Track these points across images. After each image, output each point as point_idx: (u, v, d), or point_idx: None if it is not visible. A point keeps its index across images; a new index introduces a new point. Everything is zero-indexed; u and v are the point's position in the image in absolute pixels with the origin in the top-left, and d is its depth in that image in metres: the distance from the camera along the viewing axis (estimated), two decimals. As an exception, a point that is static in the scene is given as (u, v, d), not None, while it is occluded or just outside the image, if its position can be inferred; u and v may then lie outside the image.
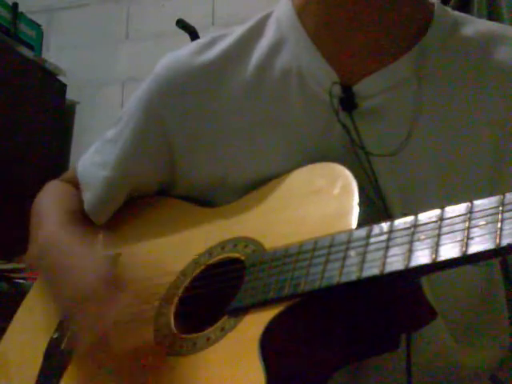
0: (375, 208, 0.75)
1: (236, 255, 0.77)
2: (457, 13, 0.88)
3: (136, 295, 0.77)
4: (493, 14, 1.73)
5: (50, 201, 0.98)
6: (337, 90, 0.81)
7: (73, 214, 0.94)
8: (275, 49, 0.86)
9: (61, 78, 2.55)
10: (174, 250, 0.86)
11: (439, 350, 0.78)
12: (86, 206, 0.94)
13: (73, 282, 0.79)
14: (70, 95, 2.58)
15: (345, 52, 0.82)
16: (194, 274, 0.80)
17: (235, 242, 0.78)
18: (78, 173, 0.98)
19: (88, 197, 0.94)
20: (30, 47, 2.50)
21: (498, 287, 0.83)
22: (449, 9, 0.88)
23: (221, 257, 0.79)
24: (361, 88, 0.81)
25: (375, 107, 0.81)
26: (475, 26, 0.86)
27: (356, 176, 0.73)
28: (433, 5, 0.86)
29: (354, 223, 0.68)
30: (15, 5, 2.46)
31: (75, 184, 0.99)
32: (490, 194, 0.60)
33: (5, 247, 2.00)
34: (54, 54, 2.65)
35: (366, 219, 0.69)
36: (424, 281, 0.71)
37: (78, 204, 0.96)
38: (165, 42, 2.42)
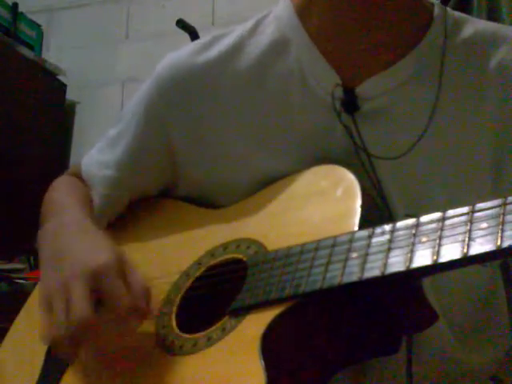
0: (378, 210, 0.75)
1: (238, 256, 0.77)
2: (456, 13, 0.88)
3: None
4: (493, 14, 1.73)
5: (66, 193, 0.96)
6: (339, 91, 0.80)
7: (89, 206, 0.92)
8: (278, 49, 0.86)
9: (61, 77, 2.54)
10: (177, 251, 0.86)
11: (441, 350, 0.78)
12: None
13: (86, 254, 0.76)
14: (70, 95, 2.57)
15: (347, 54, 0.82)
16: (196, 275, 0.80)
17: (238, 243, 0.78)
18: (83, 172, 0.98)
19: (93, 197, 0.94)
20: (30, 47, 2.49)
21: (498, 288, 0.83)
22: (448, 9, 0.88)
23: (223, 258, 0.79)
24: (363, 90, 0.81)
25: (377, 109, 0.81)
26: (475, 25, 0.86)
27: (358, 178, 0.73)
28: (432, 5, 0.86)
29: (356, 225, 0.69)
30: (15, 5, 2.46)
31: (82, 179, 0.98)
32: (492, 196, 0.60)
33: (5, 247, 2.00)
34: (54, 54, 2.64)
35: (369, 221, 0.69)
36: (426, 282, 0.71)
37: (89, 199, 0.95)
38: (165, 42, 2.41)
